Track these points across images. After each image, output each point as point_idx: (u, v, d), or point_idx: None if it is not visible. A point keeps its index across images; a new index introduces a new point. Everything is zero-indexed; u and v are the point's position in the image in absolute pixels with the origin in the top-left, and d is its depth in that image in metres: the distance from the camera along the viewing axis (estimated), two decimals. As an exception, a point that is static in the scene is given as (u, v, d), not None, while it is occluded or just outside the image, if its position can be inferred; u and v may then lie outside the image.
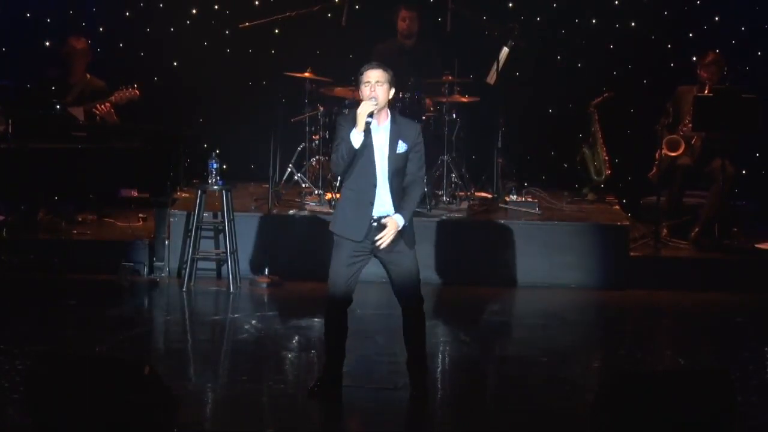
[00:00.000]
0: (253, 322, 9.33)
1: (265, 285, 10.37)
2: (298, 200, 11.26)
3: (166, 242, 10.48)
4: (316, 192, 11.20)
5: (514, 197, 11.46)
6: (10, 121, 10.22)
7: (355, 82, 7.42)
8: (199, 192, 10.36)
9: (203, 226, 10.48)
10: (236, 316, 9.60)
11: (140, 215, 11.40)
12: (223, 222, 10.36)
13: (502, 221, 10.89)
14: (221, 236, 10.52)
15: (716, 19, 12.55)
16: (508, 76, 11.78)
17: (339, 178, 7.83)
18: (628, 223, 11.06)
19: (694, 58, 11.57)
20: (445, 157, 11.23)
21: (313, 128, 11.39)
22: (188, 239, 10.41)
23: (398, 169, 7.30)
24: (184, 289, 10.19)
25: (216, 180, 10.36)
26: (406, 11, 11.78)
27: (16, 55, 12.43)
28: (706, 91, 11.07)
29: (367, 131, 7.23)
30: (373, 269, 7.53)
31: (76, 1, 12.58)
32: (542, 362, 8.47)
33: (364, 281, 7.74)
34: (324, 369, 7.56)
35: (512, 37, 11.55)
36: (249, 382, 7.81)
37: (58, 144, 10.32)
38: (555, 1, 12.74)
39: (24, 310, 9.42)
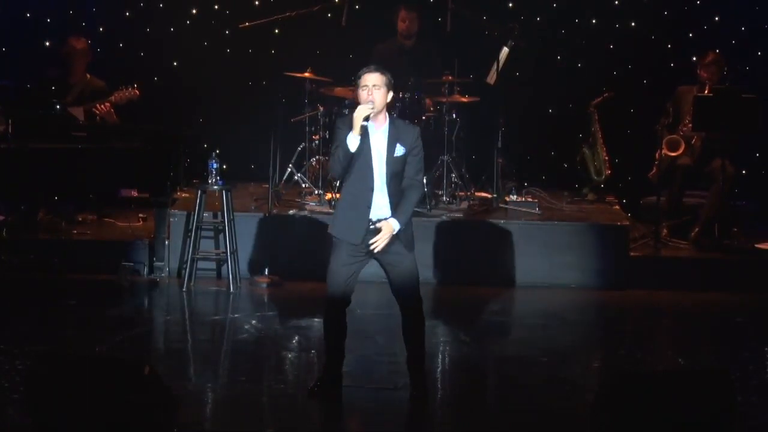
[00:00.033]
0: (253, 322, 9.33)
1: (265, 285, 10.37)
2: (298, 200, 11.26)
3: (166, 242, 10.48)
4: (316, 192, 11.20)
5: (514, 197, 11.46)
6: (10, 121, 10.22)
7: (355, 83, 7.41)
8: (199, 192, 10.36)
9: (203, 226, 10.48)
10: (236, 316, 9.60)
11: (140, 215, 11.40)
12: (223, 222, 10.36)
13: (502, 221, 10.89)
14: (221, 236, 10.52)
15: (716, 19, 12.55)
16: (508, 76, 11.78)
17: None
18: (628, 223, 11.06)
19: (694, 58, 11.57)
20: (445, 157, 11.23)
21: (313, 128, 11.40)
22: (188, 239, 10.42)
23: (396, 172, 7.30)
24: (184, 289, 10.19)
25: (216, 180, 10.36)
26: (405, 12, 11.77)
27: (16, 55, 12.43)
28: (706, 91, 11.07)
29: (365, 134, 7.23)
30: (373, 269, 7.54)
31: (76, 1, 12.58)
32: (542, 362, 8.47)
33: (364, 281, 7.74)
34: (324, 369, 7.56)
35: (512, 37, 11.54)
36: (249, 382, 7.81)
37: (58, 144, 10.32)
38: (555, 1, 12.74)
39: (24, 310, 9.42)
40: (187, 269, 10.28)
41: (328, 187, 11.02)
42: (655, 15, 12.60)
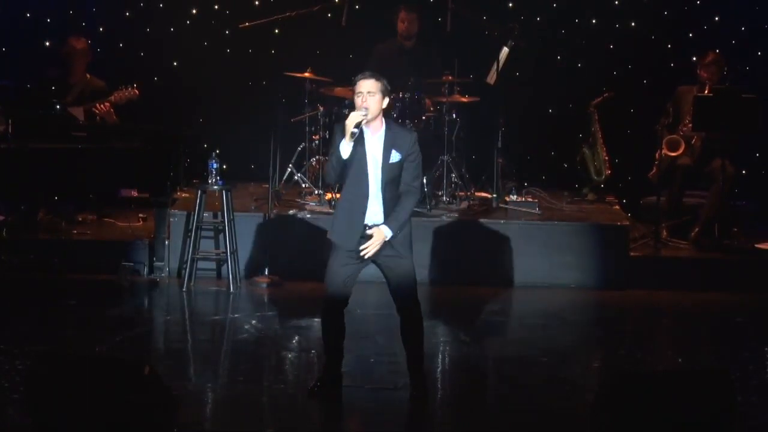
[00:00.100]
0: (253, 322, 9.33)
1: (265, 285, 10.37)
2: (298, 200, 11.27)
3: (166, 242, 10.48)
4: (316, 192, 11.20)
5: (514, 197, 11.46)
6: (10, 121, 10.22)
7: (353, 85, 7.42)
8: (199, 192, 10.37)
9: (203, 226, 10.48)
10: (236, 316, 9.60)
11: (140, 215, 11.40)
12: (223, 222, 10.36)
13: (502, 221, 10.89)
14: (221, 236, 10.52)
15: (716, 19, 12.55)
16: (508, 76, 11.78)
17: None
18: (628, 223, 11.06)
19: (694, 58, 11.57)
20: (445, 157, 11.24)
21: (313, 128, 11.40)
22: (188, 239, 10.42)
23: (392, 178, 7.29)
24: (184, 289, 10.19)
25: (216, 180, 10.36)
26: (405, 13, 11.77)
27: (16, 55, 12.43)
28: (706, 91, 11.07)
29: (360, 141, 7.23)
30: (373, 269, 7.53)
31: (76, 1, 12.58)
32: (542, 362, 8.47)
33: (364, 281, 7.74)
34: (323, 369, 7.56)
35: (512, 37, 11.54)
36: (249, 382, 7.81)
37: (58, 144, 10.31)
38: (555, 1, 12.74)
39: (24, 310, 9.42)
40: (187, 269, 10.28)
41: (328, 187, 11.02)
42: (655, 15, 12.61)
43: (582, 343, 9.33)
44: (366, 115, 7.19)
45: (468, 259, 10.73)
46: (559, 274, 10.64)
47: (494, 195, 11.46)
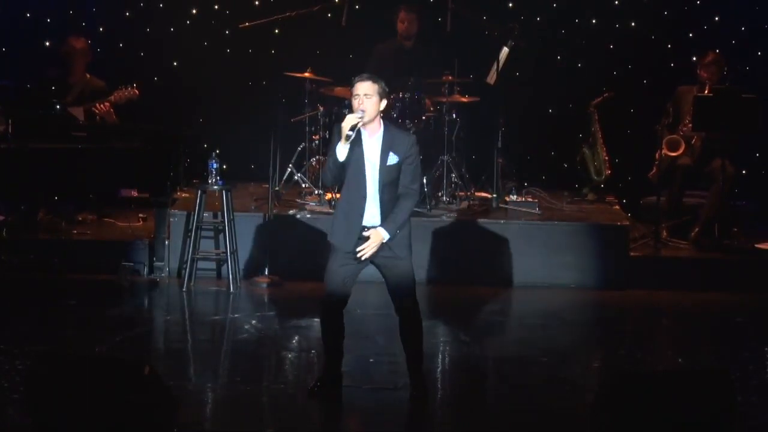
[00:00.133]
0: (253, 322, 9.33)
1: (265, 285, 10.37)
2: (298, 200, 11.27)
3: (166, 242, 10.48)
4: (316, 192, 11.20)
5: (514, 197, 11.46)
6: (10, 121, 10.22)
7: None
8: (199, 192, 10.37)
9: (203, 226, 10.48)
10: (236, 316, 9.60)
11: (140, 215, 11.40)
12: (223, 222, 10.36)
13: (502, 221, 10.89)
14: (221, 236, 10.52)
15: (716, 19, 12.55)
16: (508, 76, 11.78)
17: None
18: (628, 223, 11.06)
19: (694, 58, 11.57)
20: (445, 157, 11.24)
21: (313, 128, 11.41)
22: (188, 239, 10.42)
23: (390, 181, 7.28)
24: (184, 289, 10.19)
25: (216, 180, 10.36)
26: (405, 13, 11.78)
27: (16, 55, 12.43)
28: (706, 91, 11.07)
29: (358, 143, 7.24)
30: (373, 269, 7.53)
31: (76, 1, 12.58)
32: (542, 362, 8.47)
33: (363, 281, 7.74)
34: (323, 369, 7.56)
35: (512, 37, 11.54)
36: (249, 382, 7.81)
37: (58, 144, 10.31)
38: (555, 1, 12.74)
39: (24, 310, 9.42)
40: (187, 269, 10.28)
41: (327, 187, 11.01)
42: (655, 15, 12.60)
43: (582, 343, 9.33)
44: (362, 117, 7.19)
45: (468, 259, 10.73)
46: (558, 274, 10.64)
47: (494, 195, 11.46)
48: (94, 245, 10.80)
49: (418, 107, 11.15)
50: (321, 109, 11.30)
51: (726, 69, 11.33)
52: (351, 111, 7.32)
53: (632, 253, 10.83)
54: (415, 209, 7.52)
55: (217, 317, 9.70)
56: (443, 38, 11.78)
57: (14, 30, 12.44)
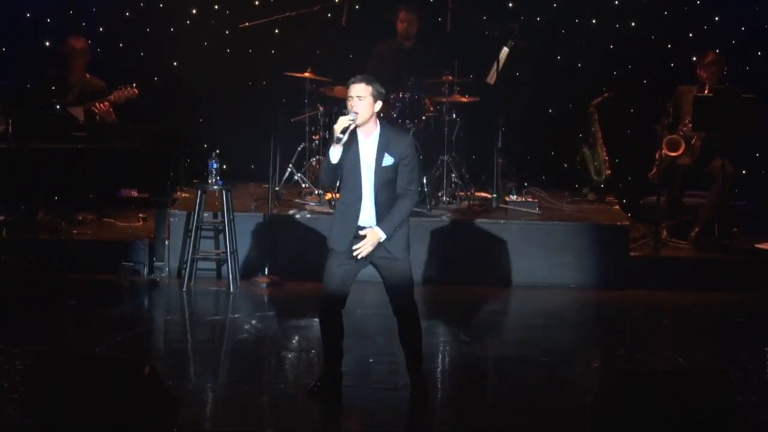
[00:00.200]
0: (253, 322, 9.33)
1: (265, 285, 10.37)
2: (298, 200, 11.26)
3: (166, 242, 10.48)
4: (316, 192, 11.20)
5: (514, 197, 11.46)
6: (10, 121, 10.22)
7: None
8: (199, 192, 10.36)
9: (203, 226, 10.48)
10: (236, 316, 9.60)
11: (140, 215, 11.40)
12: (223, 222, 10.36)
13: (502, 221, 10.89)
14: (221, 236, 10.52)
15: (716, 19, 12.55)
16: (508, 76, 11.78)
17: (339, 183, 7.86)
18: (628, 223, 11.06)
19: (694, 58, 11.57)
20: (445, 157, 11.24)
21: (313, 128, 11.41)
22: (188, 239, 10.42)
23: (386, 182, 7.27)
24: (184, 289, 10.19)
25: (216, 180, 10.36)
26: (405, 13, 11.78)
27: (16, 55, 12.43)
28: (706, 91, 11.06)
29: (354, 144, 7.24)
30: (372, 270, 7.53)
31: (76, 1, 12.58)
32: (542, 362, 8.47)
33: (364, 281, 7.74)
34: (323, 369, 7.56)
35: (512, 37, 11.54)
36: (249, 382, 7.81)
37: (58, 144, 10.32)
38: (555, 1, 12.74)
39: (24, 310, 9.42)
40: (187, 269, 10.28)
41: (327, 187, 11.00)
42: (655, 15, 12.60)
43: (582, 343, 9.33)
44: (354, 119, 7.19)
45: (468, 259, 10.73)
46: (559, 274, 10.64)
47: (494, 195, 11.45)
48: (94, 245, 10.80)
49: (418, 107, 11.15)
50: (321, 109, 11.30)
51: (726, 69, 11.33)
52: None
53: (632, 253, 10.83)
54: (415, 209, 7.53)
55: (216, 317, 9.70)
56: (443, 38, 11.78)
57: (14, 30, 12.44)
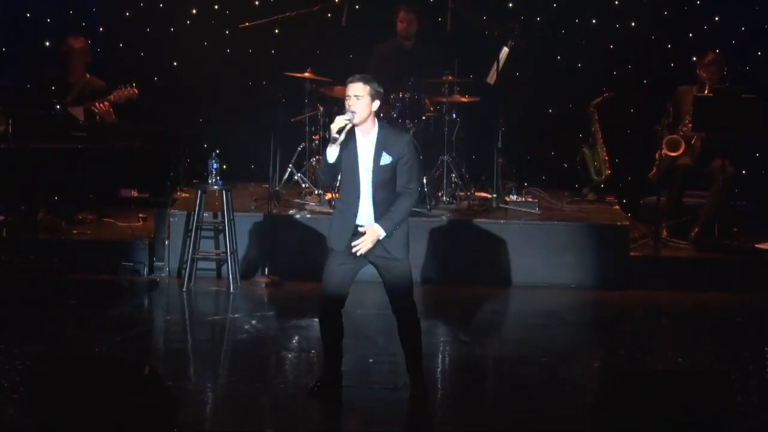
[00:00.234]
0: (253, 322, 9.33)
1: (264, 285, 10.37)
2: (298, 200, 11.26)
3: (166, 242, 10.48)
4: (316, 192, 11.20)
5: (514, 197, 11.46)
6: (10, 121, 10.22)
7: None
8: (199, 192, 10.36)
9: (203, 226, 10.48)
10: (236, 316, 9.60)
11: (140, 215, 11.41)
12: (223, 222, 10.36)
13: (502, 221, 10.89)
14: (221, 236, 10.52)
15: (716, 19, 12.55)
16: (508, 76, 11.78)
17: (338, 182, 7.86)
18: (628, 223, 11.06)
19: (694, 58, 11.57)
20: (445, 157, 11.24)
21: (313, 128, 11.41)
22: (188, 239, 10.42)
23: (383, 181, 7.26)
24: (184, 289, 10.19)
25: (216, 180, 10.36)
26: (404, 13, 11.78)
27: (16, 55, 12.43)
28: (706, 91, 11.07)
29: (352, 143, 7.24)
30: (372, 270, 7.53)
31: (76, 1, 12.58)
32: (542, 362, 8.47)
33: (364, 281, 7.74)
34: (323, 369, 7.56)
35: (512, 37, 11.54)
36: (249, 382, 7.81)
37: (58, 144, 10.32)
38: (555, 1, 12.74)
39: (24, 310, 9.42)
40: (187, 269, 10.28)
41: (327, 187, 11.00)
42: (655, 15, 12.61)
43: (582, 343, 9.33)
44: (351, 119, 7.19)
45: (468, 259, 10.73)
46: (559, 274, 10.64)
47: (494, 195, 11.45)
48: (94, 245, 10.80)
49: (418, 107, 11.15)
50: (321, 109, 11.29)
51: (726, 69, 11.33)
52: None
53: (632, 253, 10.83)
54: (415, 209, 7.53)
55: (217, 317, 9.70)
56: (443, 38, 11.78)
57: (14, 30, 12.44)
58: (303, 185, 11.45)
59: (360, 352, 8.37)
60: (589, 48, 12.71)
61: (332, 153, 7.23)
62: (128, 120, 11.06)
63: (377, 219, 7.25)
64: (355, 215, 7.28)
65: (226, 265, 10.30)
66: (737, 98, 10.77)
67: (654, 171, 11.44)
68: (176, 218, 10.62)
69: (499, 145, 11.47)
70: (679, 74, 11.92)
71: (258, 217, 10.78)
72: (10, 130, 10.20)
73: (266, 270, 10.48)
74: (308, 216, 10.80)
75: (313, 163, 11.35)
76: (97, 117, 11.03)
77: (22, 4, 12.52)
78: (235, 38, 12.53)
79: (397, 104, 11.06)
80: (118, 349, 8.42)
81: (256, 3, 12.59)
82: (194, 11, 12.69)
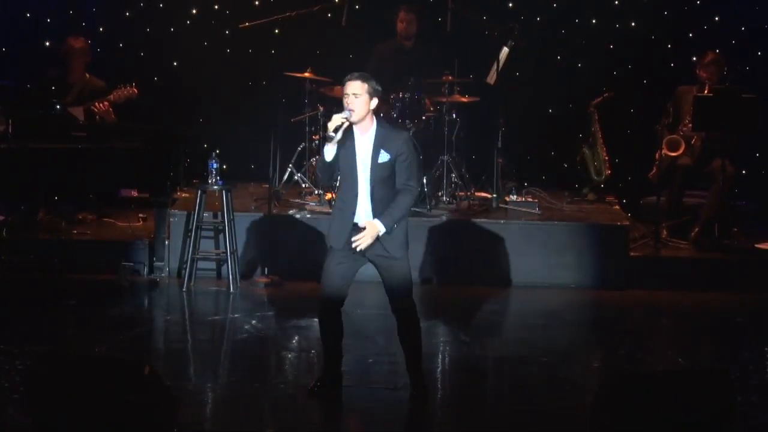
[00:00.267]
0: (253, 322, 9.33)
1: (264, 285, 10.37)
2: (298, 200, 11.27)
3: (166, 242, 10.48)
4: (316, 192, 11.20)
5: (514, 197, 11.46)
6: (10, 121, 10.22)
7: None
8: (199, 192, 10.36)
9: (203, 226, 10.48)
10: (236, 316, 9.60)
11: (140, 215, 11.41)
12: (223, 222, 10.36)
13: (502, 221, 10.89)
14: (221, 236, 10.52)
15: (716, 19, 12.55)
16: (508, 76, 11.78)
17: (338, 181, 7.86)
18: (628, 223, 11.06)
19: (694, 58, 11.57)
20: (445, 157, 11.24)
21: (313, 128, 11.41)
22: (188, 239, 10.42)
23: (382, 179, 7.26)
24: (184, 289, 10.19)
25: (216, 180, 10.36)
26: (404, 13, 11.78)
27: (16, 55, 12.43)
28: (706, 91, 11.07)
29: (350, 141, 7.24)
30: (371, 270, 7.53)
31: (76, 1, 12.58)
32: (542, 362, 8.47)
33: (364, 281, 7.74)
34: (323, 369, 7.56)
35: (512, 37, 11.54)
36: (249, 382, 7.81)
37: (58, 144, 10.32)
38: (555, 1, 12.74)
39: (24, 310, 9.42)
40: (187, 269, 10.28)
41: (327, 186, 11.00)
42: (655, 15, 12.61)
43: (582, 343, 9.33)
44: (349, 117, 7.19)
45: (468, 259, 10.73)
46: (558, 274, 10.64)
47: (494, 195, 11.45)
48: (94, 245, 10.80)
49: (418, 107, 11.15)
50: (321, 109, 11.29)
51: (726, 69, 11.33)
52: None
53: (632, 253, 10.82)
54: (415, 209, 7.52)
55: (216, 317, 9.69)
56: (443, 38, 11.78)
57: (14, 30, 12.44)
58: (303, 185, 11.45)
59: (360, 352, 8.37)
60: (589, 48, 12.71)
61: (329, 151, 7.23)
62: (128, 120, 11.06)
63: (376, 217, 7.25)
64: (354, 213, 7.28)
65: (226, 265, 10.30)
66: (737, 98, 10.77)
67: (654, 171, 11.44)
68: (176, 218, 10.62)
69: (499, 145, 11.47)
70: (679, 74, 11.92)
71: (258, 217, 10.78)
72: (10, 130, 10.20)
73: (266, 270, 10.48)
74: (308, 216, 10.80)
75: (313, 163, 11.35)
76: (97, 117, 11.03)
77: (22, 4, 12.52)
78: (235, 38, 12.53)
79: (397, 104, 11.06)
80: (118, 349, 8.42)
81: (256, 3, 12.59)
82: (194, 11, 12.69)
